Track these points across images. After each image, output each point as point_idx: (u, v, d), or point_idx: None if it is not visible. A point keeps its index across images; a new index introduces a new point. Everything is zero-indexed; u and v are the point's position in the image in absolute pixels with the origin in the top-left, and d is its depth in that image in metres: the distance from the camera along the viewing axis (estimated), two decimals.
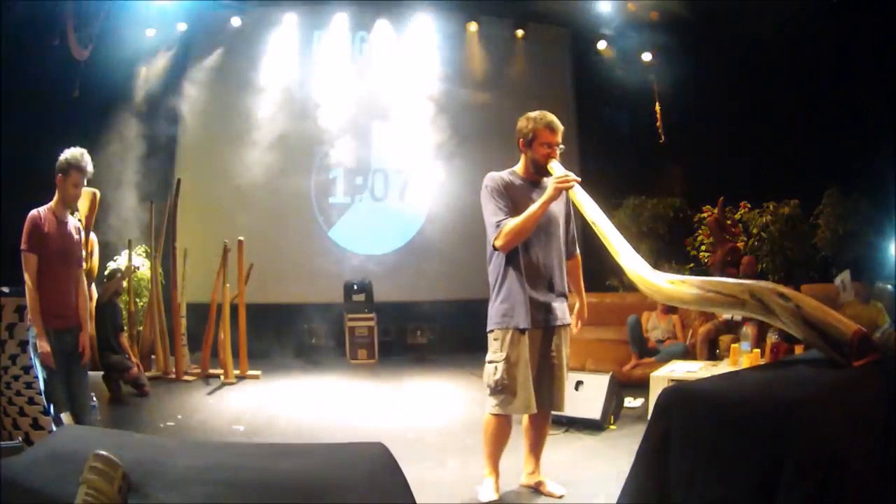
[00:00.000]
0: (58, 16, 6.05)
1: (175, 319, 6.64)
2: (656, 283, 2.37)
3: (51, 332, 3.28)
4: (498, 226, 2.98)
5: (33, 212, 3.33)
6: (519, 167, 3.17)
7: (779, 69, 6.90)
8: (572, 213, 3.24)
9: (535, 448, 3.30)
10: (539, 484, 3.27)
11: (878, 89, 5.98)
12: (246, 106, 8.31)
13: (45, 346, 3.21)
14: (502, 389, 3.00)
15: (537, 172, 3.10)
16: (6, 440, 3.83)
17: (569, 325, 3.18)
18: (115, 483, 1.32)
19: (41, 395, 3.53)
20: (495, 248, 3.04)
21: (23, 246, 3.26)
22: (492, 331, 3.09)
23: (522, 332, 3.01)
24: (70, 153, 3.32)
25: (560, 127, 3.07)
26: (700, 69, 7.30)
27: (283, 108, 8.41)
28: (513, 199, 3.05)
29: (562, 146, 3.08)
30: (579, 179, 2.90)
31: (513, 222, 2.95)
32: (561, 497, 3.19)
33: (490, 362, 3.06)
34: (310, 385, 6.33)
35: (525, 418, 3.25)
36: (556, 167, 2.97)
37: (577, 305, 3.29)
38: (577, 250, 3.34)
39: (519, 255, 3.03)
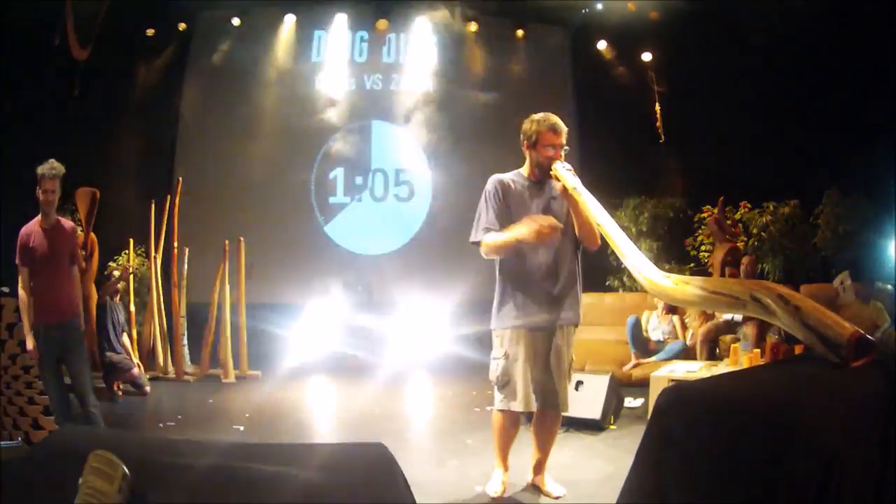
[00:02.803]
0: (58, 16, 6.05)
1: (175, 319, 6.64)
2: (662, 284, 2.39)
3: (40, 326, 3.60)
4: (479, 235, 3.02)
5: (23, 228, 3.68)
6: (525, 168, 3.18)
7: (779, 69, 6.90)
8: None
9: (541, 447, 3.30)
10: (540, 483, 3.29)
11: (878, 89, 5.98)
12: (246, 106, 8.32)
13: (28, 342, 3.62)
14: (504, 386, 3.06)
15: (542, 173, 3.10)
16: (6, 440, 3.85)
17: (574, 325, 3.16)
18: (115, 483, 1.32)
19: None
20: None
21: (17, 260, 3.67)
22: (494, 328, 3.14)
23: (519, 330, 3.03)
24: (42, 166, 3.62)
25: (564, 129, 3.08)
26: (700, 69, 7.30)
27: (283, 109, 8.42)
28: (514, 201, 3.07)
29: (566, 147, 3.09)
30: (559, 227, 2.86)
31: (493, 239, 2.97)
32: (559, 498, 3.20)
33: (493, 359, 3.12)
34: (310, 385, 6.33)
35: (534, 417, 3.28)
36: (559, 168, 2.98)
37: None
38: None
39: (520, 253, 3.02)
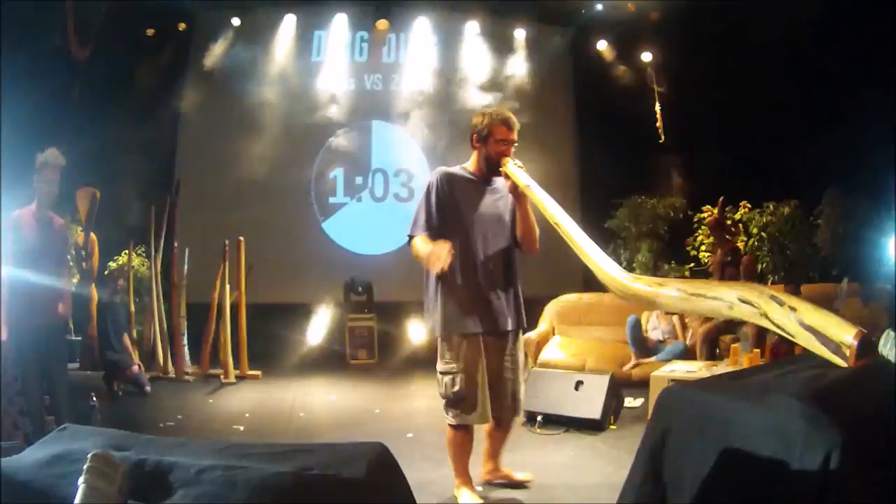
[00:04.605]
0: (58, 16, 6.05)
1: (175, 319, 6.64)
2: (633, 287, 2.25)
3: (21, 326, 3.42)
4: (413, 231, 2.94)
5: (15, 212, 3.49)
6: (470, 163, 3.08)
7: (779, 68, 6.90)
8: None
9: (495, 449, 3.24)
10: (506, 476, 3.24)
11: (879, 89, 5.98)
12: (246, 106, 8.32)
13: (3, 332, 3.38)
14: (461, 400, 2.91)
15: (489, 170, 3.00)
16: (6, 440, 3.84)
17: (522, 328, 3.09)
18: (115, 483, 1.32)
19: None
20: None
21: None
22: (442, 338, 2.96)
23: (476, 337, 2.92)
24: (42, 154, 3.48)
25: (516, 124, 2.99)
26: (700, 69, 7.30)
27: (282, 109, 8.41)
28: (460, 196, 2.97)
29: (516, 143, 2.99)
30: (442, 269, 2.75)
31: (415, 246, 2.89)
32: (530, 480, 3.19)
33: (445, 373, 2.94)
34: (310, 385, 6.33)
35: (487, 426, 3.15)
36: (510, 166, 2.89)
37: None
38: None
39: (462, 253, 2.91)
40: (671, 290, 2.10)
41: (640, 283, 2.22)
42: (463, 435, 3.01)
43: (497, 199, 3.03)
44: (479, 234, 2.95)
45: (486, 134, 2.97)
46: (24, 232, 3.46)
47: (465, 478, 3.09)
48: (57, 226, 3.61)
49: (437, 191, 2.95)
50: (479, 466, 3.23)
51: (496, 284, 2.97)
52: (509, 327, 3.01)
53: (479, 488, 3.18)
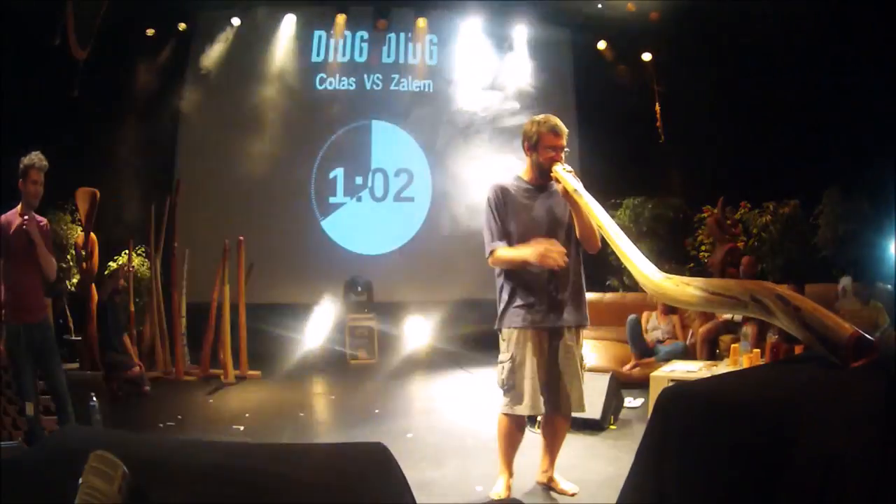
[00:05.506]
0: (58, 16, 6.05)
1: (175, 319, 6.64)
2: (663, 285, 2.39)
3: (20, 327, 3.50)
4: (492, 246, 3.05)
5: (3, 216, 3.57)
6: (524, 171, 3.18)
7: (779, 69, 6.90)
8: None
9: (550, 448, 3.30)
10: (551, 482, 3.29)
11: (879, 89, 5.98)
12: (246, 106, 8.32)
13: None
14: (510, 389, 3.02)
15: (542, 176, 3.10)
16: (6, 440, 3.84)
17: (581, 326, 3.15)
18: (115, 483, 1.32)
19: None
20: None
21: None
22: (499, 331, 3.12)
23: (527, 331, 3.01)
24: (26, 157, 3.56)
25: (564, 130, 3.08)
26: (700, 69, 7.30)
27: (282, 109, 8.42)
28: (516, 206, 3.07)
29: (567, 149, 3.08)
30: (564, 263, 2.87)
31: (503, 255, 3.01)
32: (573, 495, 3.20)
33: (499, 362, 3.09)
34: (310, 385, 6.33)
35: (542, 419, 3.27)
36: (560, 171, 2.97)
37: None
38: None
39: None
40: (695, 290, 2.22)
41: (670, 283, 2.37)
42: (511, 425, 3.08)
43: (554, 203, 3.11)
44: (538, 238, 3.02)
45: (536, 141, 3.07)
46: (11, 233, 3.53)
47: (505, 467, 3.16)
48: (41, 224, 3.69)
49: (496, 203, 3.08)
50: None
51: (556, 283, 3.04)
52: (566, 323, 3.08)
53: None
